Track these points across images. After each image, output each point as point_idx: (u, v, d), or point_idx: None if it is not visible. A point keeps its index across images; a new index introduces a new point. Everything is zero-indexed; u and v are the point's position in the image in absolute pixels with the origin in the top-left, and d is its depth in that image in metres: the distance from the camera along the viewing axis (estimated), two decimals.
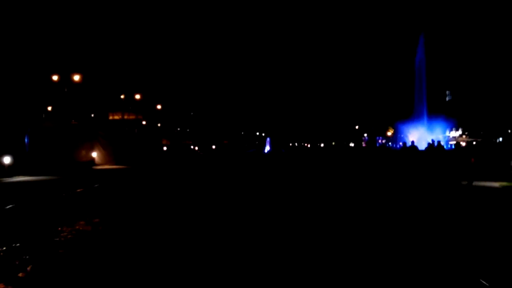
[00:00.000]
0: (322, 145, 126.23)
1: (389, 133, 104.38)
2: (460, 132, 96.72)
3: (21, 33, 58.91)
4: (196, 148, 61.63)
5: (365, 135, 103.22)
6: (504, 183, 17.69)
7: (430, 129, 77.90)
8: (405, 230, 8.91)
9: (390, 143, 79.37)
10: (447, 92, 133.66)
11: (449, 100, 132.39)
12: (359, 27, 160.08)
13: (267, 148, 69.54)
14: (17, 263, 6.61)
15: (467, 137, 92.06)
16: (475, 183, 17.11)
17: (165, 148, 49.29)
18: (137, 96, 57.61)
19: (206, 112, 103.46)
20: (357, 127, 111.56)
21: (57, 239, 8.22)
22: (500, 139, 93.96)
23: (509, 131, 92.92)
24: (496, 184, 17.51)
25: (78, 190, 15.79)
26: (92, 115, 65.32)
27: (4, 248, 7.49)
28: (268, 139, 73.80)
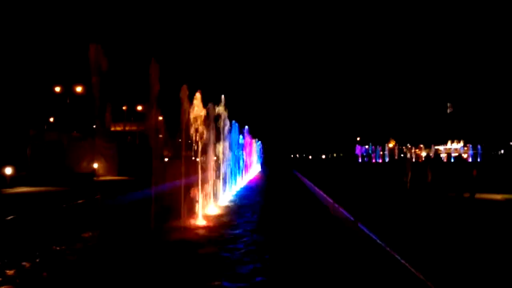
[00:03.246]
0: (323, 156, 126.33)
1: (391, 145, 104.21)
2: (461, 144, 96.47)
3: (24, 44, 59.42)
4: (198, 159, 61.42)
5: (366, 147, 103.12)
6: (507, 196, 17.60)
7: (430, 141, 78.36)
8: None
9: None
10: (448, 104, 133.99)
11: (450, 112, 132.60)
12: (361, 44, 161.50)
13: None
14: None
15: (469, 148, 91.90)
16: (478, 195, 17.03)
17: (166, 159, 49.17)
18: (139, 108, 58.07)
19: None
20: (358, 138, 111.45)
21: (59, 248, 8.23)
22: (502, 151, 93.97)
23: (511, 143, 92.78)
24: (499, 197, 17.41)
25: (79, 202, 15.75)
26: (94, 126, 65.40)
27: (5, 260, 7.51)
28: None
